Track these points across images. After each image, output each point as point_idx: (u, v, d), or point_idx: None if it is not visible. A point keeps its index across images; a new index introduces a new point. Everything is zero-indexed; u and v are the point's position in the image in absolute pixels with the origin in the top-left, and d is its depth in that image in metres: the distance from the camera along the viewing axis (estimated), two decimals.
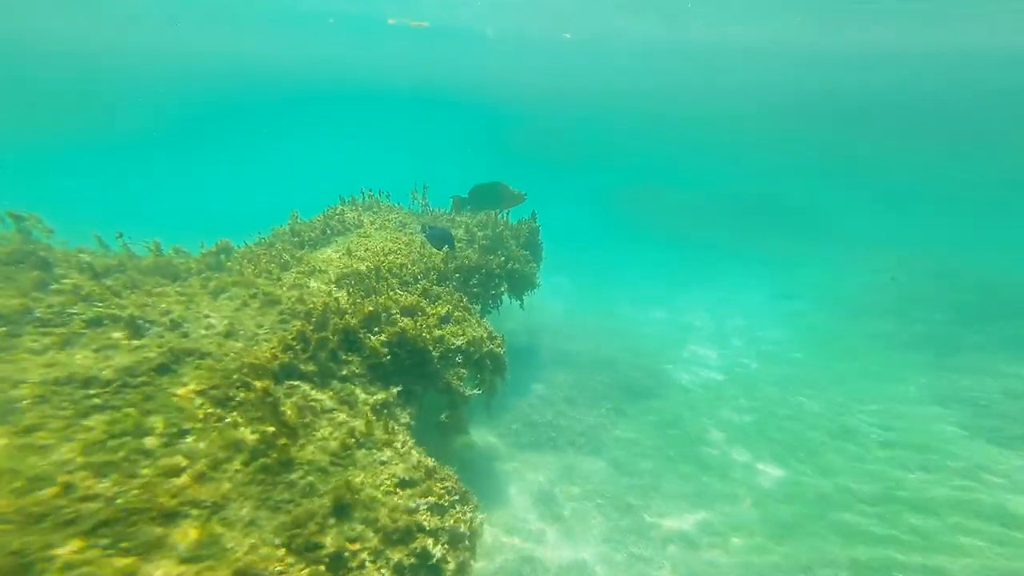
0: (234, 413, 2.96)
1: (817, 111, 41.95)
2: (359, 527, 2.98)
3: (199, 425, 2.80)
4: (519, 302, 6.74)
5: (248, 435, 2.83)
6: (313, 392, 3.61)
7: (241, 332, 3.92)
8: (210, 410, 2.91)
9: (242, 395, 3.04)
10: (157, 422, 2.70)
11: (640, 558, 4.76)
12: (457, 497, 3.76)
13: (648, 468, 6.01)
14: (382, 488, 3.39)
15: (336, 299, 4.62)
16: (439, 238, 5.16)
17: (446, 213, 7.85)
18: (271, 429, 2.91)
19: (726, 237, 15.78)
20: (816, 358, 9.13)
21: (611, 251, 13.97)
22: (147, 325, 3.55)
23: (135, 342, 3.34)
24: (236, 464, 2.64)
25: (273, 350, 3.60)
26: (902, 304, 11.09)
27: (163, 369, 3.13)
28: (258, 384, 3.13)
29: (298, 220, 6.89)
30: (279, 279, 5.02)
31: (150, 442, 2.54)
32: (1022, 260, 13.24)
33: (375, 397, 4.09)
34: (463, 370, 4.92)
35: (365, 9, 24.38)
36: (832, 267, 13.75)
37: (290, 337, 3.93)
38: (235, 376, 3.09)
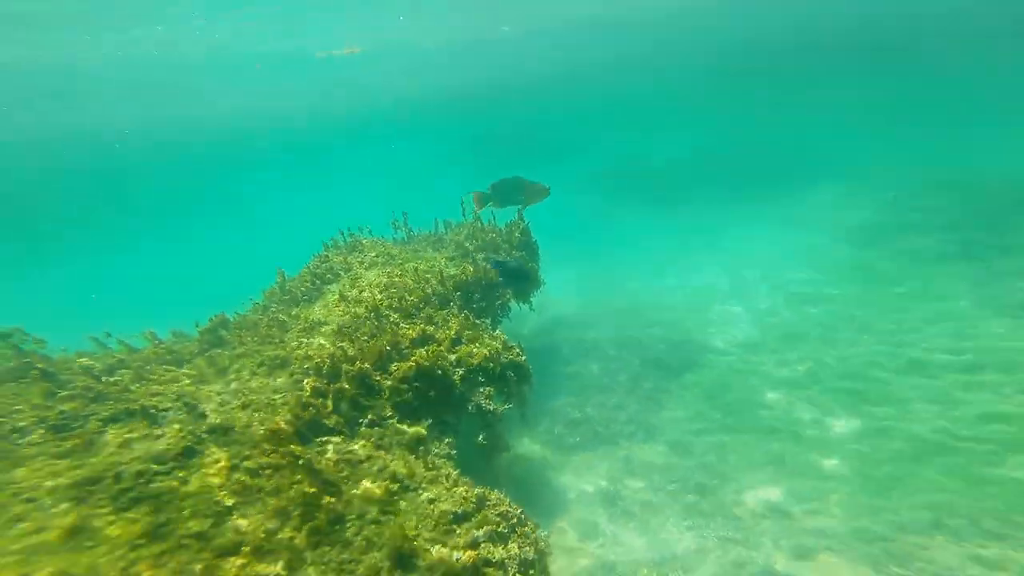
0: (271, 481, 3.01)
1: (762, 57, 42.69)
2: (427, 573, 2.99)
3: (240, 500, 2.85)
4: (528, 305, 6.80)
5: (291, 501, 2.87)
6: (344, 444, 3.66)
7: (257, 401, 3.99)
8: (248, 483, 2.97)
9: (274, 460, 3.10)
10: (199, 504, 2.76)
11: (735, 541, 4.64)
12: (515, 520, 3.77)
13: (710, 443, 5.95)
14: (438, 529, 3.41)
15: (342, 347, 4.71)
16: (514, 276, 4.80)
17: (494, 228, 7.41)
18: (312, 490, 2.96)
19: (715, 193, 15.81)
20: (851, 289, 9.00)
21: (606, 233, 14.06)
22: (163, 413, 3.64)
23: (156, 431, 3.43)
24: (288, 532, 2.68)
25: (293, 411, 3.66)
26: (923, 218, 11.02)
27: (189, 452, 3.20)
28: (288, 448, 3.18)
29: (286, 277, 7.03)
30: (282, 341, 5.12)
31: (196, 525, 2.59)
32: (1014, 158, 13.25)
33: (408, 435, 4.13)
34: (488, 388, 4.96)
35: (289, 46, 25.05)
36: (835, 199, 13.72)
37: (306, 395, 4.00)
38: (264, 445, 3.16)
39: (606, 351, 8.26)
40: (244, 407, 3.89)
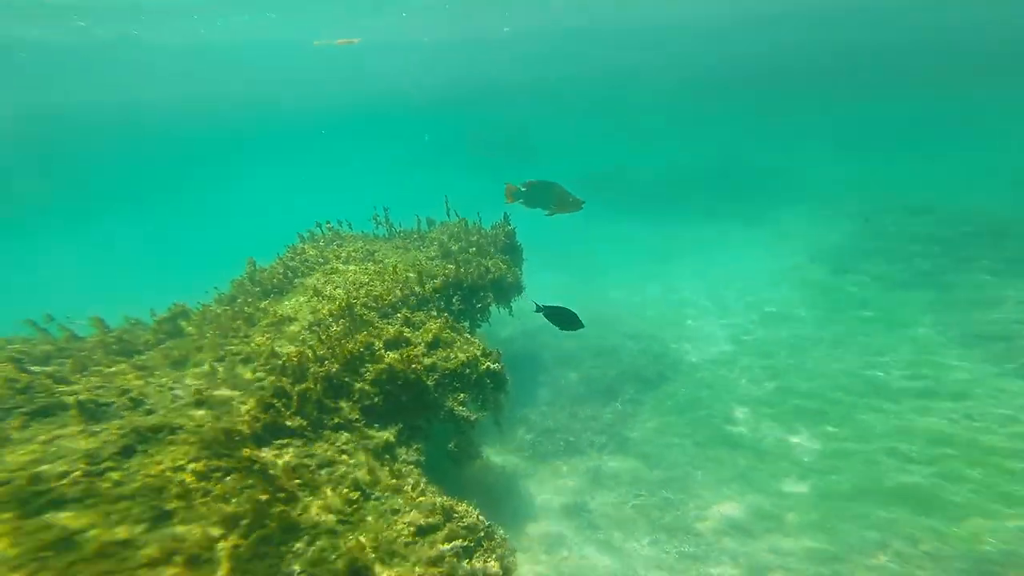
0: (220, 485, 2.79)
1: (739, 77, 44.33)
2: None
3: (182, 504, 2.62)
4: (508, 310, 6.69)
5: (240, 507, 2.66)
6: (305, 448, 3.45)
7: (214, 399, 3.73)
8: (193, 486, 2.73)
9: (225, 464, 2.87)
10: (132, 507, 2.52)
11: (694, 557, 4.67)
12: (482, 534, 3.65)
13: (679, 458, 5.97)
14: (399, 541, 3.24)
15: (311, 347, 4.49)
16: (566, 320, 4.49)
17: (479, 230, 7.14)
18: (264, 497, 2.75)
19: (699, 207, 16.11)
20: (820, 312, 9.28)
21: (590, 240, 14.08)
22: (104, 408, 3.34)
23: (93, 427, 3.14)
24: (233, 540, 2.47)
25: (251, 412, 3.43)
26: (889, 244, 11.49)
27: (128, 451, 2.93)
28: (241, 452, 2.97)
29: (257, 268, 6.71)
30: (247, 336, 4.84)
31: (124, 532, 2.35)
32: (983, 189, 14.03)
33: (375, 440, 3.95)
34: (463, 394, 4.83)
35: (288, 35, 24.61)
36: (808, 221, 14.18)
37: (268, 395, 3.77)
38: (215, 447, 2.93)
39: (584, 360, 8.23)
40: (198, 404, 3.62)
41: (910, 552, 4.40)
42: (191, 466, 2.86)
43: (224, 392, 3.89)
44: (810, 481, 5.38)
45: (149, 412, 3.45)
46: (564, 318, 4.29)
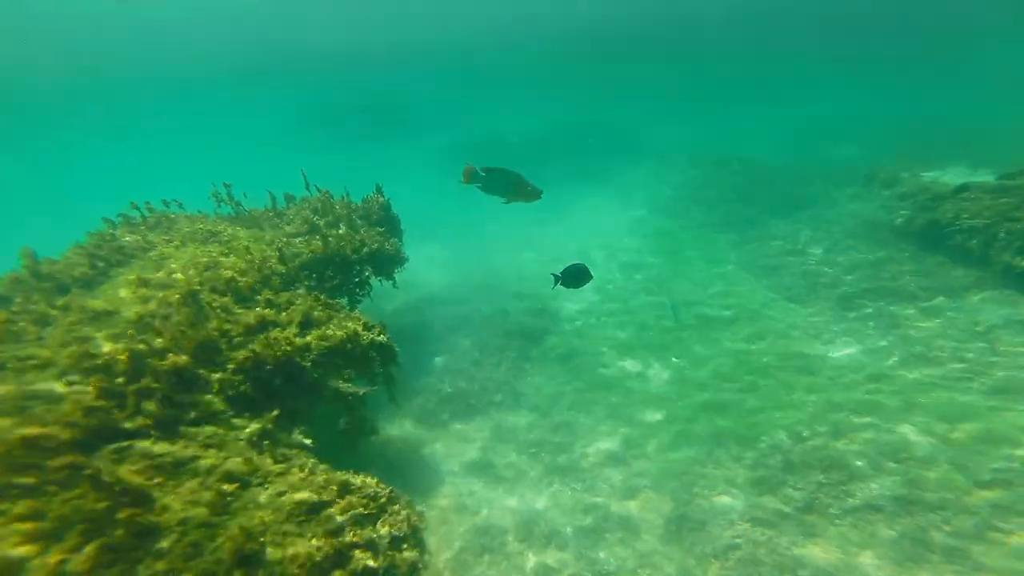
0: (20, 504, 2.18)
1: (596, 46, 48.31)
2: (279, 569, 2.58)
3: None
4: (391, 282, 6.46)
5: (61, 521, 2.13)
6: (155, 447, 2.89)
7: None
8: None
9: (31, 480, 2.26)
10: None
11: (584, 490, 5.26)
12: (384, 500, 3.58)
13: (565, 404, 6.57)
14: (292, 520, 2.98)
15: (144, 340, 3.73)
16: (580, 277, 4.24)
17: (348, 203, 6.73)
18: (103, 504, 2.25)
19: (565, 170, 17.10)
20: (663, 258, 10.93)
21: (465, 209, 14.14)
22: None
23: None
24: (56, 555, 1.97)
25: (67, 417, 2.73)
26: (707, 194, 13.87)
27: None
28: (54, 462, 2.36)
29: (40, 260, 5.22)
30: (40, 338, 3.78)
31: None
32: (766, 142, 17.72)
33: (249, 429, 3.51)
34: (348, 371, 4.57)
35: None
36: (648, 176, 16.35)
37: (88, 399, 3.03)
38: (16, 456, 2.27)
39: (475, 324, 8.38)
40: None
41: (725, 456, 5.49)
42: None
43: (11, 405, 2.99)
44: (663, 410, 6.38)
45: None
46: (576, 275, 4.39)
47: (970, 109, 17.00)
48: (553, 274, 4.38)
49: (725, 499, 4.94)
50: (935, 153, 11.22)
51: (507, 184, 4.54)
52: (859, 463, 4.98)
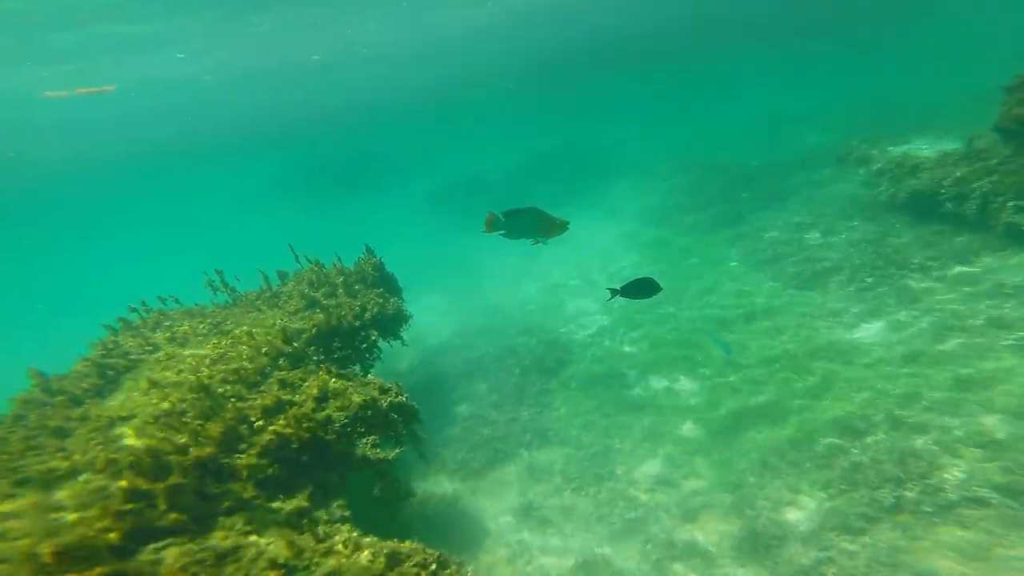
0: None
1: (559, 65, 49.48)
2: None
3: None
4: (399, 341, 6.46)
5: None
6: (192, 544, 2.79)
7: (21, 529, 2.76)
8: None
9: None
10: None
11: (637, 520, 5.00)
12: (435, 566, 3.44)
13: (596, 433, 6.40)
14: None
15: (164, 438, 3.70)
16: (646, 289, 4.14)
17: (342, 269, 6.83)
18: None
19: (546, 195, 17.16)
20: (662, 266, 11.01)
21: (457, 253, 14.26)
22: None
23: None
24: None
25: (101, 522, 2.66)
26: (691, 198, 14.15)
27: None
28: (96, 571, 2.27)
29: (46, 378, 5.22)
30: (62, 449, 3.72)
31: None
32: (733, 144, 18.13)
33: (285, 511, 3.39)
34: (372, 436, 4.49)
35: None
36: (631, 189, 16.64)
37: (117, 502, 2.95)
38: (50, 572, 2.18)
39: (488, 367, 8.30)
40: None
41: (779, 464, 5.19)
42: None
43: (38, 521, 2.89)
44: (700, 424, 6.13)
45: None
46: (643, 288, 4.27)
47: (925, 83, 17.88)
48: (610, 288, 4.34)
49: (794, 509, 4.67)
50: (898, 128, 11.73)
51: (531, 223, 4.54)
52: (935, 451, 4.63)
